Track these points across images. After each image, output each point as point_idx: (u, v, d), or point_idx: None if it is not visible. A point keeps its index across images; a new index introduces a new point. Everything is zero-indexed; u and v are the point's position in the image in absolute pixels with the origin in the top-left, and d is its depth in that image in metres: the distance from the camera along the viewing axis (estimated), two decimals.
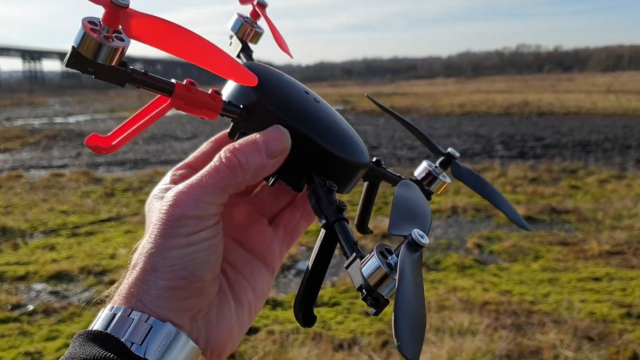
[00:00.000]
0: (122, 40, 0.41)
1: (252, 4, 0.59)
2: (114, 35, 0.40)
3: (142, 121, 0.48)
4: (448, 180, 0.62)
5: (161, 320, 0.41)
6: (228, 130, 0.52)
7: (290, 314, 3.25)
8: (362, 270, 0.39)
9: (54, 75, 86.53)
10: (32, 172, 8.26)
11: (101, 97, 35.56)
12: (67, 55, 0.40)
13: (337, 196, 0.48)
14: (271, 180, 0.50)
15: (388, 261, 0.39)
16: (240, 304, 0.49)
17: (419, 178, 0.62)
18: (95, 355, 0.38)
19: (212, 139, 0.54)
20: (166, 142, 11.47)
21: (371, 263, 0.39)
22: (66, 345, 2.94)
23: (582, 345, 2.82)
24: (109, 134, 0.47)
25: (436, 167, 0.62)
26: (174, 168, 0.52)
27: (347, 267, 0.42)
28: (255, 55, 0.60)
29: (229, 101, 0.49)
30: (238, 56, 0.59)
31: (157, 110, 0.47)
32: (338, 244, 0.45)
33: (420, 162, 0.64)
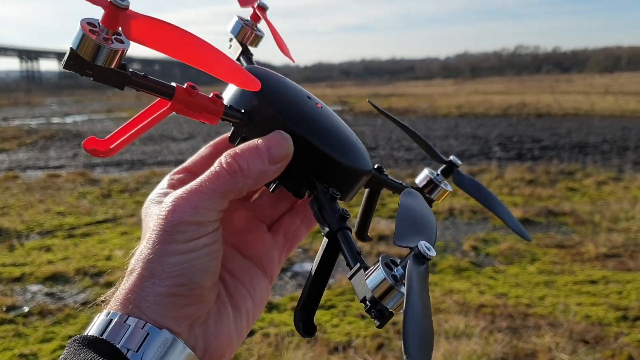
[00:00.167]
0: (122, 42, 0.40)
1: (253, 7, 0.58)
2: (113, 37, 0.40)
3: (140, 125, 0.47)
4: (449, 188, 0.62)
5: (158, 327, 0.40)
6: (228, 134, 0.51)
7: (285, 316, 3.24)
8: (367, 281, 0.39)
9: (51, 75, 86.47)
10: (28, 173, 8.25)
11: (99, 97, 35.51)
12: (65, 57, 0.39)
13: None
14: (272, 187, 0.49)
15: (393, 273, 0.39)
16: (238, 312, 0.48)
17: (420, 186, 0.61)
18: None
19: (212, 143, 0.53)
20: (163, 143, 11.45)
21: (376, 275, 0.38)
22: (62, 347, 2.93)
23: (577, 349, 2.82)
24: (107, 137, 0.47)
25: (438, 174, 0.62)
26: (172, 172, 0.52)
27: (350, 278, 0.41)
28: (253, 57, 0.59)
29: (230, 105, 0.48)
30: (238, 59, 0.58)
31: (156, 114, 0.47)
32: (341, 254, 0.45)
33: (417, 163, 0.63)
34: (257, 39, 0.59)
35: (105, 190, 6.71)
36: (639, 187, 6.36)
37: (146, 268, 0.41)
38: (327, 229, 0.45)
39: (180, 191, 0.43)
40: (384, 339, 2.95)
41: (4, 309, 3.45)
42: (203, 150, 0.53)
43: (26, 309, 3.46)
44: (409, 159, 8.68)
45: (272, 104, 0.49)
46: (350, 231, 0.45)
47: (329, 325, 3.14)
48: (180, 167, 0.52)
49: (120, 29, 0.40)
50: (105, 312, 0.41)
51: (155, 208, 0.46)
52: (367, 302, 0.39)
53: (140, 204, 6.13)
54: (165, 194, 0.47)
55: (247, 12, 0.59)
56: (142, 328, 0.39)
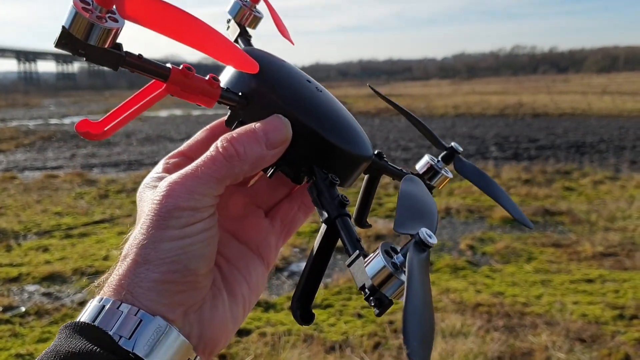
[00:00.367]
0: (116, 21, 0.39)
1: None
2: (107, 15, 0.38)
3: (135, 107, 0.46)
4: (450, 175, 0.61)
5: (151, 314, 0.39)
6: (225, 118, 0.50)
7: (282, 316, 3.24)
8: (367, 269, 0.38)
9: (49, 76, 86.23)
10: (26, 174, 8.23)
11: (96, 98, 35.44)
12: (57, 36, 0.38)
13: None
14: (270, 172, 0.48)
15: (393, 261, 0.38)
16: (234, 298, 0.47)
17: (421, 172, 0.60)
18: (81, 348, 0.37)
19: (208, 127, 0.52)
20: (160, 144, 11.44)
21: (376, 262, 0.38)
22: None
23: (574, 347, 2.83)
24: (100, 119, 0.46)
25: (438, 161, 0.61)
26: (167, 156, 0.51)
27: (349, 265, 0.40)
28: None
29: (227, 88, 0.47)
30: (236, 41, 0.56)
31: (151, 96, 0.46)
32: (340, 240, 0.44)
33: (415, 162, 0.63)
34: (255, 20, 0.57)
35: (103, 190, 6.71)
36: (636, 187, 6.37)
37: (140, 254, 0.40)
38: (326, 216, 0.44)
39: (175, 175, 0.43)
40: (380, 338, 2.95)
41: (1, 309, 3.45)
42: (199, 134, 0.52)
43: (23, 309, 3.45)
44: (406, 159, 8.69)
45: (270, 87, 0.48)
46: (350, 218, 0.44)
47: (326, 324, 3.14)
48: (175, 151, 0.51)
49: (114, 7, 0.38)
50: (98, 297, 0.41)
51: (150, 193, 0.45)
52: (366, 290, 0.38)
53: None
54: (160, 178, 0.46)
55: None
56: (135, 315, 0.39)
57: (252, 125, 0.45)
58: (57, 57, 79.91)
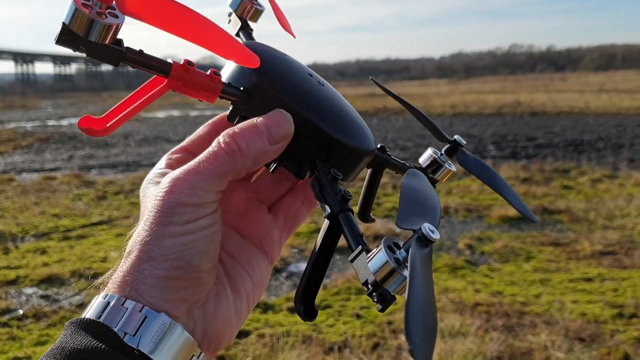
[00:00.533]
0: (116, 16, 0.39)
1: None
2: (107, 11, 0.38)
3: (137, 103, 0.46)
4: (453, 168, 0.60)
5: (156, 311, 0.39)
6: (227, 113, 0.50)
7: (280, 317, 3.24)
8: (369, 264, 0.38)
9: (46, 78, 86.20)
10: (23, 176, 8.22)
11: (94, 99, 35.45)
12: (57, 32, 0.38)
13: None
14: (272, 167, 0.48)
15: (396, 256, 0.38)
16: (238, 293, 0.47)
17: (424, 166, 0.60)
18: (86, 345, 0.37)
19: (210, 122, 0.52)
20: (158, 145, 11.44)
21: (378, 257, 0.38)
22: None
23: (573, 346, 2.82)
24: (103, 115, 0.46)
25: (442, 154, 0.60)
26: (170, 152, 0.50)
27: (351, 261, 0.40)
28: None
29: (228, 83, 0.47)
30: (237, 35, 0.56)
31: (152, 92, 0.46)
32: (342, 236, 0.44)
33: (413, 162, 0.62)
34: (257, 13, 0.57)
35: (101, 192, 6.70)
36: (634, 185, 6.37)
37: (143, 250, 0.41)
38: (329, 211, 0.44)
39: (177, 171, 0.43)
40: (379, 339, 2.95)
41: None
42: (201, 129, 0.52)
43: (21, 311, 3.44)
44: (404, 158, 8.62)
45: (272, 81, 0.47)
46: (353, 213, 0.44)
47: (325, 325, 3.14)
48: (178, 147, 0.51)
49: (114, 2, 0.38)
50: (102, 294, 0.41)
51: (153, 189, 0.45)
52: (369, 286, 0.38)
53: (135, 205, 6.16)
54: (163, 174, 0.46)
55: None
56: (140, 311, 0.39)
57: (254, 120, 0.45)
58: (54, 59, 79.92)
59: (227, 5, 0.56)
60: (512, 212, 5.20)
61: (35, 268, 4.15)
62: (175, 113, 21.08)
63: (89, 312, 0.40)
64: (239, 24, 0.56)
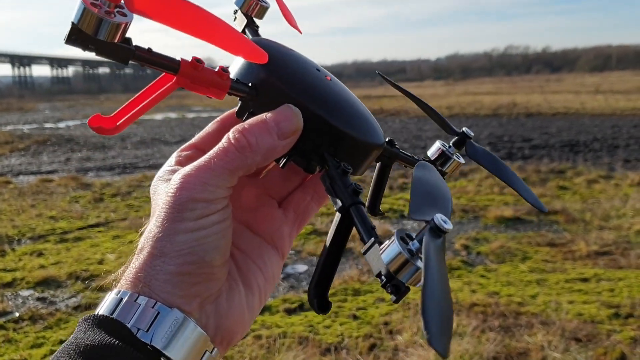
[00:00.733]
0: (125, 15, 0.39)
1: None
2: (115, 10, 0.39)
3: (146, 100, 0.46)
4: (462, 160, 0.60)
5: (168, 306, 0.40)
6: (235, 109, 0.50)
7: (277, 318, 3.24)
8: (382, 256, 0.38)
9: (43, 81, 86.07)
10: (20, 178, 8.21)
11: (91, 102, 35.42)
12: (67, 32, 0.38)
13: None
14: (282, 162, 0.48)
15: (409, 247, 0.38)
16: (250, 289, 0.47)
17: (432, 158, 0.60)
18: (99, 341, 0.37)
19: (218, 118, 0.52)
20: (155, 147, 11.43)
21: (392, 249, 0.38)
22: (52, 352, 2.92)
23: (570, 347, 2.83)
24: (113, 114, 0.46)
25: (450, 147, 0.60)
26: (179, 149, 0.51)
27: (364, 253, 0.40)
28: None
29: (236, 79, 0.47)
30: (243, 32, 0.56)
31: (162, 89, 0.46)
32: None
33: (421, 156, 0.62)
34: (262, 10, 0.56)
35: (98, 194, 6.69)
36: (630, 185, 6.39)
37: (156, 246, 0.41)
38: (340, 204, 0.44)
39: (188, 168, 0.43)
40: (376, 340, 2.95)
41: None
42: (210, 126, 0.52)
43: (17, 314, 3.44)
44: None
45: (280, 76, 0.48)
46: (364, 205, 0.44)
47: (321, 326, 3.14)
48: (187, 144, 0.51)
49: (122, 1, 0.39)
50: (115, 290, 0.41)
51: (164, 185, 0.45)
52: (383, 277, 0.38)
53: (132, 207, 6.16)
54: (173, 171, 0.46)
55: None
56: (153, 307, 0.39)
57: (263, 115, 0.45)
58: (51, 62, 79.78)
59: (232, 3, 0.57)
60: (508, 212, 5.22)
61: (31, 270, 4.15)
62: (172, 115, 21.05)
63: (102, 309, 0.40)
64: (245, 21, 0.56)
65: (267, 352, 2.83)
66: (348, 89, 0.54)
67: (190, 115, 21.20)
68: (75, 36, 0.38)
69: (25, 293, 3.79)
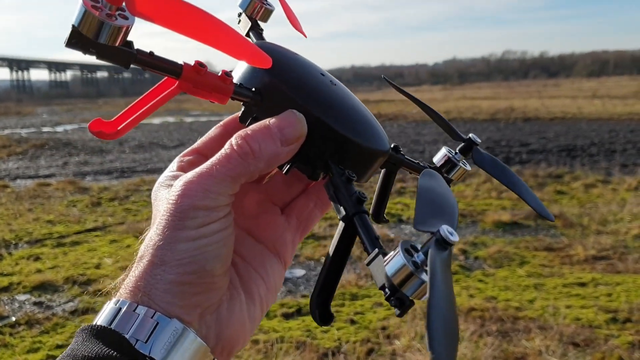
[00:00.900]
0: (126, 18, 0.38)
1: None
2: (117, 13, 0.38)
3: (148, 105, 0.45)
4: (468, 167, 0.59)
5: (168, 317, 0.39)
6: (239, 114, 0.49)
7: (275, 323, 3.23)
8: (386, 268, 0.37)
9: (41, 85, 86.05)
10: (18, 182, 8.19)
11: (90, 106, 35.42)
12: (67, 35, 0.37)
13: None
14: (285, 168, 0.47)
15: (414, 259, 0.37)
16: (251, 298, 0.46)
17: (438, 165, 0.59)
18: (97, 352, 0.37)
19: (221, 123, 0.51)
20: (153, 151, 11.42)
21: (396, 261, 0.37)
22: (49, 357, 2.91)
23: (568, 351, 2.82)
24: (114, 118, 0.45)
25: (456, 153, 0.59)
26: (181, 154, 0.50)
27: (368, 264, 0.39)
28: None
29: (240, 84, 0.46)
30: (247, 35, 0.55)
31: (164, 94, 0.45)
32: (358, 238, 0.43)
33: (426, 162, 0.61)
34: (267, 13, 0.56)
35: (95, 198, 6.68)
36: (627, 190, 6.40)
37: (156, 255, 0.40)
38: (344, 213, 0.43)
39: (190, 174, 0.42)
40: (373, 344, 2.94)
41: None
42: (213, 130, 0.51)
43: (13, 318, 3.43)
44: None
45: (284, 81, 0.47)
46: (368, 215, 0.43)
47: (319, 331, 3.13)
48: (189, 149, 0.50)
49: (124, 4, 0.38)
50: (114, 300, 0.40)
51: (165, 192, 0.44)
52: (387, 290, 0.37)
53: (129, 211, 6.15)
54: (175, 177, 0.45)
55: None
56: (152, 317, 0.39)
57: (267, 121, 0.44)
58: (49, 65, 79.79)
59: (236, 6, 0.56)
60: (505, 217, 5.22)
61: (28, 275, 4.13)
62: (171, 119, 21.04)
63: (101, 319, 0.40)
64: (249, 24, 0.56)
65: (264, 357, 2.82)
66: (353, 94, 0.53)
67: (189, 119, 21.20)
68: (76, 39, 0.37)
69: (21, 297, 3.78)
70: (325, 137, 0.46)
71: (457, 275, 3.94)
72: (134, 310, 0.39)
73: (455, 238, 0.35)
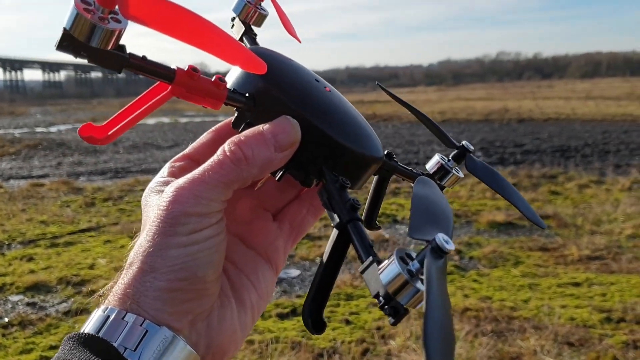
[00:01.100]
0: (119, 21, 0.37)
1: None
2: (109, 16, 0.37)
3: (140, 110, 0.45)
4: (461, 174, 0.59)
5: (157, 324, 0.38)
6: (232, 119, 0.48)
7: (269, 323, 3.23)
8: (381, 276, 0.36)
9: (35, 85, 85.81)
10: (11, 182, 8.16)
11: (83, 106, 35.33)
12: (58, 38, 0.36)
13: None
14: (278, 175, 0.47)
15: (409, 268, 0.36)
16: (242, 305, 0.46)
17: (431, 172, 0.58)
18: None
19: (213, 128, 0.51)
20: (147, 151, 11.40)
21: (391, 269, 0.36)
22: (42, 358, 2.90)
23: (562, 351, 2.83)
24: (104, 123, 0.44)
25: (449, 160, 0.59)
26: (173, 159, 0.49)
27: (362, 272, 0.39)
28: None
29: (233, 89, 0.46)
30: (241, 40, 0.55)
31: (156, 99, 0.44)
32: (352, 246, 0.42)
33: (418, 168, 0.61)
34: (261, 18, 0.55)
35: (89, 198, 6.65)
36: (621, 190, 6.42)
37: (146, 262, 0.39)
38: (337, 220, 0.43)
39: (181, 180, 0.41)
40: (368, 345, 2.94)
41: None
42: (205, 136, 0.51)
43: (6, 319, 3.41)
44: None
45: (278, 87, 0.46)
46: (362, 222, 0.43)
47: None
48: (181, 154, 0.49)
49: (117, 7, 0.37)
50: (102, 307, 0.40)
51: (156, 198, 0.44)
52: (381, 298, 0.36)
53: (124, 212, 6.14)
54: (166, 183, 0.44)
55: None
56: (141, 325, 0.38)
57: (260, 127, 0.44)
58: (43, 66, 79.57)
59: (230, 10, 0.55)
60: (500, 217, 5.23)
61: (21, 275, 4.11)
62: (165, 120, 21.02)
63: (88, 327, 0.39)
64: (243, 28, 0.55)
65: (259, 357, 2.81)
66: (347, 100, 0.52)
67: (183, 120, 21.17)
68: (67, 42, 0.37)
69: (14, 298, 3.76)
70: (319, 144, 0.46)
71: (452, 276, 3.94)
72: (123, 318, 0.38)
73: (451, 247, 0.35)
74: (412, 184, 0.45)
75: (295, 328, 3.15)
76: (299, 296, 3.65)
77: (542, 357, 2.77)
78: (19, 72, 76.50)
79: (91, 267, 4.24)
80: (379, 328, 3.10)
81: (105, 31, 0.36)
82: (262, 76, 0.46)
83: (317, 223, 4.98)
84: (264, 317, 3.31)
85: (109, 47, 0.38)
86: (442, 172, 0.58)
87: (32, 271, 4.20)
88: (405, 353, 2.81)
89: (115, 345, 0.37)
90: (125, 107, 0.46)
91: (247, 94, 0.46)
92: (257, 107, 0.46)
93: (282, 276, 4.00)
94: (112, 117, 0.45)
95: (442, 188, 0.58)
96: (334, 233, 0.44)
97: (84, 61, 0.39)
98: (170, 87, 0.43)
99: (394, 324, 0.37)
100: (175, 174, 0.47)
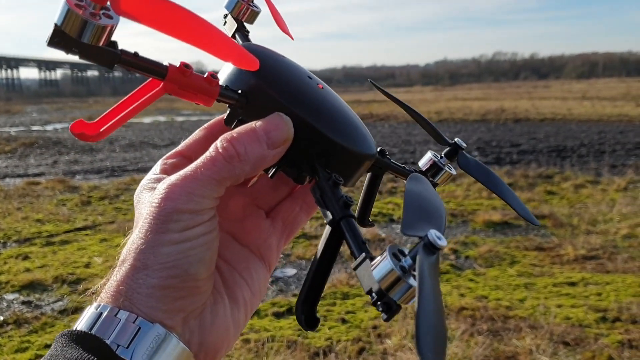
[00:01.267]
0: (111, 17, 0.37)
1: None
2: (101, 12, 0.37)
3: (132, 106, 0.45)
4: (453, 171, 0.59)
5: (150, 321, 0.38)
6: (224, 116, 0.48)
7: (266, 322, 3.22)
8: (374, 272, 0.37)
9: (31, 83, 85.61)
10: (7, 181, 8.13)
11: (79, 104, 35.23)
12: (49, 34, 0.36)
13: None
14: (271, 172, 0.47)
15: (401, 264, 0.36)
16: (235, 302, 0.46)
17: (424, 169, 0.59)
18: (77, 358, 0.36)
19: (206, 125, 0.51)
20: (144, 150, 11.38)
21: (383, 265, 0.36)
22: (37, 357, 2.89)
23: (558, 351, 2.83)
24: (96, 120, 0.44)
25: (441, 157, 0.59)
26: (165, 156, 0.49)
27: (355, 268, 0.39)
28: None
29: (226, 86, 0.46)
30: (233, 37, 0.55)
31: (148, 95, 0.44)
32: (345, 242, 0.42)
33: (411, 166, 0.61)
34: (253, 14, 0.55)
35: (85, 197, 6.64)
36: (616, 190, 6.43)
37: (138, 259, 0.39)
38: (330, 217, 0.43)
39: (174, 177, 0.41)
40: (364, 343, 2.94)
41: None
42: (197, 133, 0.50)
43: (1, 318, 3.40)
44: None
45: (271, 84, 0.46)
46: (355, 219, 0.43)
47: None
48: (173, 151, 0.49)
49: (108, 3, 0.37)
50: (95, 304, 0.40)
51: (148, 195, 0.44)
52: (373, 295, 0.37)
53: (120, 210, 6.12)
54: (158, 180, 0.44)
55: None
56: (134, 322, 0.38)
57: (253, 124, 0.44)
58: (39, 64, 79.37)
59: (222, 8, 0.55)
60: (496, 217, 5.23)
61: (17, 274, 4.10)
62: (162, 118, 20.98)
63: (81, 324, 0.39)
64: (235, 25, 0.55)
65: (255, 356, 2.81)
66: (340, 97, 0.52)
67: (180, 118, 21.15)
68: (58, 38, 0.36)
69: (10, 297, 3.75)
70: (311, 140, 0.46)
71: (448, 275, 3.95)
72: (116, 315, 0.38)
73: (443, 242, 0.35)
74: (405, 181, 0.45)
75: (291, 327, 3.15)
76: (295, 295, 3.64)
77: (538, 356, 2.77)
78: (15, 71, 76.31)
79: (87, 265, 4.24)
80: (375, 327, 3.10)
81: (96, 27, 0.36)
82: (254, 73, 0.46)
83: (313, 222, 4.98)
84: (260, 316, 3.31)
85: (101, 43, 0.37)
86: (434, 169, 0.59)
87: (27, 270, 4.19)
88: (401, 352, 2.81)
89: (108, 342, 0.37)
90: (117, 103, 0.45)
91: (239, 91, 0.46)
92: (249, 104, 0.46)
93: (278, 275, 4.00)
94: (104, 114, 0.45)
95: (434, 185, 0.58)
96: (327, 230, 0.44)
97: (81, 60, 0.39)
98: (162, 83, 0.42)
99: (387, 320, 0.37)
100: (168, 170, 0.47)
